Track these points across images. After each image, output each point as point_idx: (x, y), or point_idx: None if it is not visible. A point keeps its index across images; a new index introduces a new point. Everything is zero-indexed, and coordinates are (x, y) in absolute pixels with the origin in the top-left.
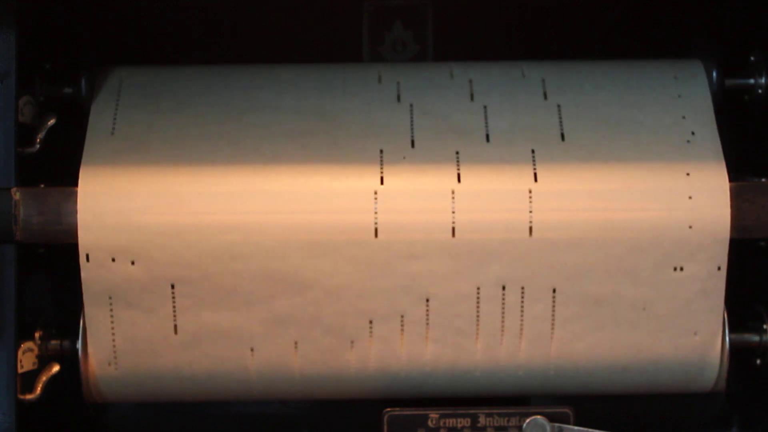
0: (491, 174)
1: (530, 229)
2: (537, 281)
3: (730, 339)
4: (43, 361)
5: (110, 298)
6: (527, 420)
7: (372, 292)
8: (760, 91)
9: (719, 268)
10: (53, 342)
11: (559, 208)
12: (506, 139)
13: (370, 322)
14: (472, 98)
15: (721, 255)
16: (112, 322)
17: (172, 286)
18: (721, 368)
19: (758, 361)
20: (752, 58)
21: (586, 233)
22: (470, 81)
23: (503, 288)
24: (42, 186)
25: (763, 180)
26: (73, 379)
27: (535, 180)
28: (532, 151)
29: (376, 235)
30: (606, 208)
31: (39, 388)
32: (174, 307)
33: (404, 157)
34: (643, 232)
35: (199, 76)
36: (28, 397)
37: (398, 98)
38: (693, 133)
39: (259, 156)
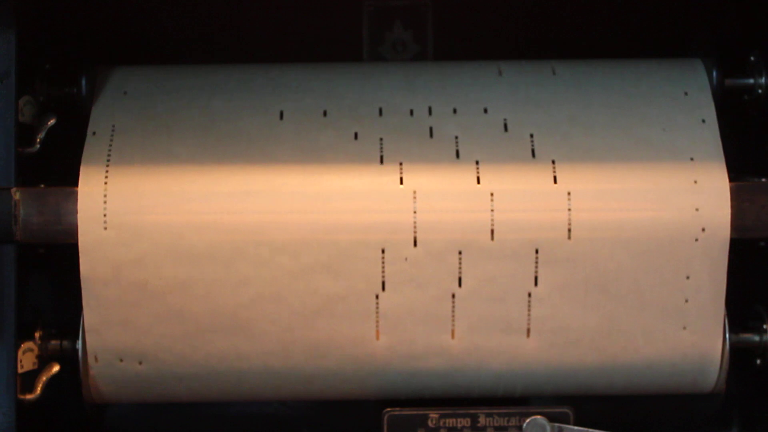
0: (492, 277)
1: (528, 330)
2: (535, 379)
3: (730, 339)
4: (43, 361)
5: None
6: (527, 420)
7: (373, 387)
8: (760, 91)
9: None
10: (53, 342)
11: (558, 315)
12: (511, 237)
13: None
14: (478, 181)
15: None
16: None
17: (180, 380)
18: (722, 368)
19: (758, 361)
20: (752, 58)
21: (582, 335)
22: (477, 163)
23: (500, 380)
24: (42, 186)
25: (763, 180)
26: (73, 379)
27: (536, 284)
28: (536, 251)
29: (377, 337)
30: (608, 315)
31: (39, 388)
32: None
33: (406, 259)
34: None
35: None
36: (28, 397)
37: (401, 181)
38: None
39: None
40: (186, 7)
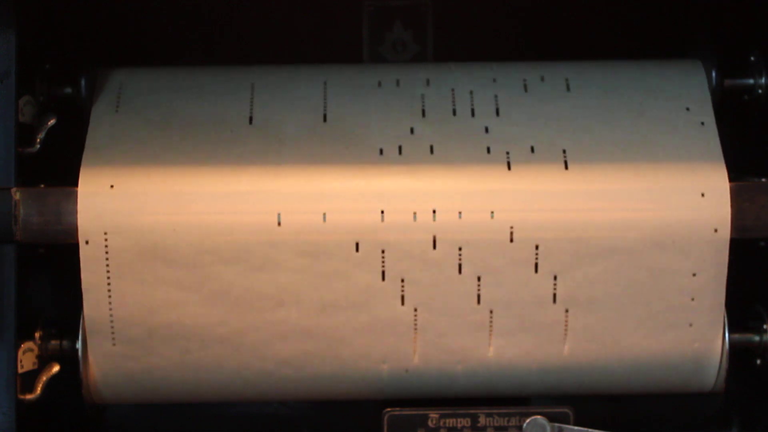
0: (490, 385)
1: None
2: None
3: (730, 339)
4: (43, 361)
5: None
6: (527, 420)
7: None
8: (760, 91)
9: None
10: (53, 342)
11: None
12: (507, 355)
13: None
14: (478, 300)
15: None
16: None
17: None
18: (721, 368)
19: (758, 361)
20: (752, 58)
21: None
22: (479, 279)
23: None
24: (42, 186)
25: (763, 180)
26: (73, 379)
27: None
28: (532, 369)
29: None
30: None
31: (39, 388)
32: None
33: (407, 371)
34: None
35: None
36: (28, 397)
37: (402, 300)
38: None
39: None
40: (186, 7)
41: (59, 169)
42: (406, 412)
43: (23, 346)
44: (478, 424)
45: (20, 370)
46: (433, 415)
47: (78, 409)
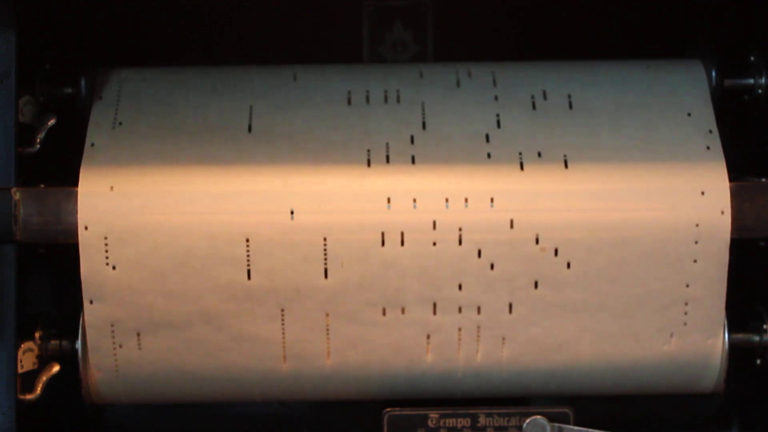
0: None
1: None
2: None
3: (730, 339)
4: (43, 361)
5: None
6: (527, 420)
7: None
8: (760, 91)
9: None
10: (53, 342)
11: None
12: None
13: None
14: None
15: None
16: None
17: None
18: (721, 368)
19: (758, 361)
20: (752, 58)
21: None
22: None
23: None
24: (42, 186)
25: (763, 180)
26: (73, 379)
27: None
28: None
29: None
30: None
31: (39, 388)
32: None
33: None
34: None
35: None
36: (28, 397)
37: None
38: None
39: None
40: (186, 7)
41: (59, 169)
42: (406, 412)
43: (23, 346)
44: (478, 424)
45: (20, 370)
46: (433, 415)
47: (78, 409)
